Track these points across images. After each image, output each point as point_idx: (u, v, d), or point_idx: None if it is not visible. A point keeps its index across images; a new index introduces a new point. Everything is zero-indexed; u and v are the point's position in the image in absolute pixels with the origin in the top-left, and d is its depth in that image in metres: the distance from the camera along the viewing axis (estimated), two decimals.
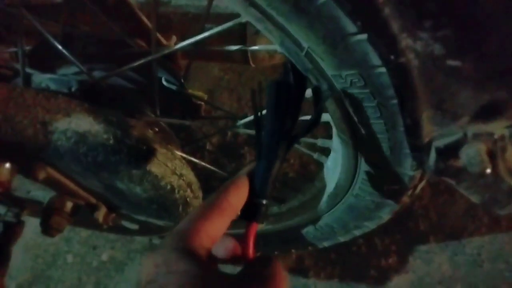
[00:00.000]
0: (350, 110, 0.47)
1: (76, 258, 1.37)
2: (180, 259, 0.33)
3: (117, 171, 0.60)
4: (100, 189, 0.72)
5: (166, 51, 0.62)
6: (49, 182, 0.64)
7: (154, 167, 0.62)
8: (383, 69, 0.38)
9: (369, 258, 1.22)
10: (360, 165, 0.58)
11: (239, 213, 0.40)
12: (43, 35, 0.61)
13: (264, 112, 0.45)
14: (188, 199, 0.69)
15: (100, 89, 0.69)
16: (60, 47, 0.62)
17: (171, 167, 0.65)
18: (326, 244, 0.88)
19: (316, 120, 0.43)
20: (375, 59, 0.37)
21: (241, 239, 0.40)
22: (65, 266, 1.37)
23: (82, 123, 0.57)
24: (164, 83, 0.75)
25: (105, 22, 0.70)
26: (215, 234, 0.37)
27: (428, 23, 0.35)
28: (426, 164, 0.46)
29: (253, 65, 0.82)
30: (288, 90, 0.43)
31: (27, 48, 0.71)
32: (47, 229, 0.68)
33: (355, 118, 0.48)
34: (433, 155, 0.44)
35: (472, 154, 0.41)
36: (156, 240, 1.23)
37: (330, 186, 0.72)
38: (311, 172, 1.29)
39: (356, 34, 0.36)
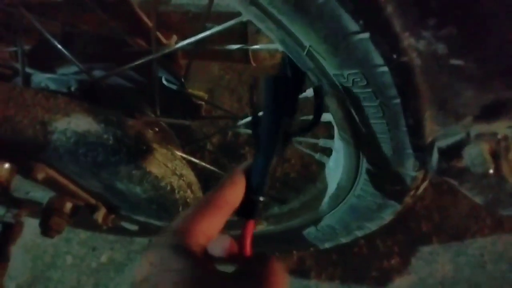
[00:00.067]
0: (352, 109, 0.46)
1: (76, 259, 1.37)
2: (175, 257, 0.33)
3: (117, 172, 0.60)
4: (99, 190, 0.72)
5: (167, 51, 0.62)
6: (48, 183, 0.64)
7: (154, 168, 0.62)
8: (385, 68, 0.38)
9: (371, 259, 1.22)
10: (362, 166, 0.58)
11: (235, 210, 0.40)
12: (43, 35, 0.61)
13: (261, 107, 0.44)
14: (188, 199, 0.69)
15: (100, 88, 0.69)
16: (59, 46, 0.62)
17: (171, 167, 0.64)
18: (327, 245, 0.88)
19: (316, 119, 0.43)
20: (377, 58, 0.37)
21: (238, 237, 0.40)
22: (65, 267, 1.37)
23: (81, 123, 0.56)
24: (164, 82, 0.75)
25: (105, 21, 0.70)
26: (211, 231, 0.37)
27: (431, 22, 0.35)
28: (428, 164, 0.46)
29: (254, 65, 0.82)
30: (285, 85, 0.43)
31: (27, 47, 0.71)
32: (47, 230, 0.68)
33: (357, 118, 0.47)
34: (435, 155, 0.44)
35: (475, 154, 0.41)
36: None
37: (331, 187, 0.71)
38: (313, 173, 1.29)
39: (358, 33, 0.36)
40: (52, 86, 0.68)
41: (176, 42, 0.80)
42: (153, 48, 0.61)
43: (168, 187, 0.65)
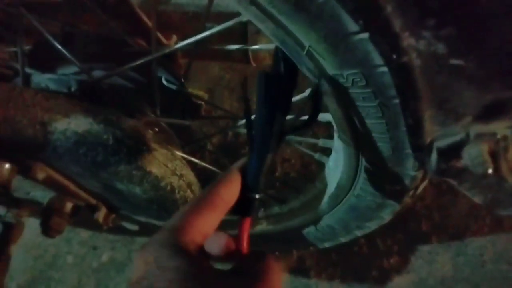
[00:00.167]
0: (352, 110, 0.46)
1: (76, 259, 1.37)
2: (170, 255, 0.33)
3: (117, 172, 0.60)
4: (99, 190, 0.72)
5: (166, 51, 0.62)
6: (49, 183, 0.64)
7: (154, 168, 0.62)
8: (385, 69, 0.38)
9: (371, 259, 1.22)
10: (361, 165, 0.58)
11: (231, 208, 0.40)
12: (43, 35, 0.61)
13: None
14: (188, 199, 0.69)
15: (100, 89, 0.69)
16: (59, 46, 0.62)
17: (171, 167, 0.65)
18: (327, 244, 0.88)
19: (311, 118, 0.43)
20: (377, 59, 0.37)
21: (235, 235, 0.40)
22: (65, 267, 1.37)
23: (81, 123, 0.56)
24: (164, 82, 0.75)
25: (105, 22, 0.70)
26: (206, 230, 0.37)
27: (431, 22, 0.35)
28: (427, 164, 0.45)
29: (254, 64, 0.82)
30: (277, 81, 0.42)
31: (27, 47, 0.71)
32: (47, 230, 0.68)
33: (356, 118, 0.47)
34: (435, 155, 0.44)
35: (474, 154, 0.41)
36: None
37: (331, 187, 0.71)
38: (312, 173, 1.29)
39: (357, 33, 0.36)
40: (52, 86, 0.68)
41: (176, 42, 0.80)
42: (152, 48, 0.61)
43: (168, 187, 0.65)
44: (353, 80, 0.41)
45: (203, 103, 0.83)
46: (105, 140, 0.57)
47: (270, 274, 0.35)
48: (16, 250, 0.63)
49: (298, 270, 1.24)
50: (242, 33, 0.75)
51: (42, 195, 0.70)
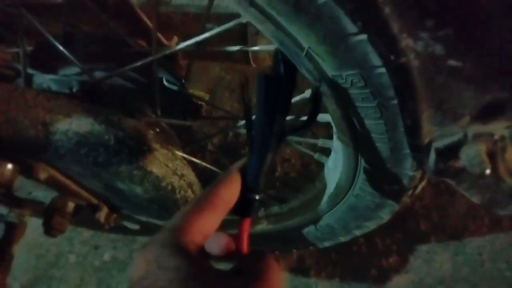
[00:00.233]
0: (351, 110, 0.47)
1: (78, 258, 1.37)
2: (171, 255, 0.33)
3: (118, 172, 0.60)
4: (101, 190, 0.72)
5: (167, 52, 0.62)
6: (51, 183, 0.65)
7: (155, 168, 0.62)
8: (383, 69, 0.38)
9: (370, 258, 1.22)
10: (360, 166, 0.58)
11: (232, 208, 0.40)
12: (44, 36, 0.61)
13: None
14: (189, 199, 0.69)
15: (101, 89, 0.69)
16: (61, 47, 0.62)
17: (172, 167, 0.65)
18: (327, 244, 0.88)
19: (310, 119, 0.43)
20: (375, 60, 0.37)
21: (235, 235, 0.40)
22: (68, 266, 1.37)
23: (83, 123, 0.57)
24: (165, 83, 0.75)
25: (106, 22, 0.70)
26: (207, 230, 0.37)
27: (429, 23, 0.35)
28: (426, 164, 0.46)
29: (254, 65, 0.82)
30: (277, 82, 0.42)
31: (28, 48, 0.71)
32: (49, 230, 0.68)
33: (355, 119, 0.48)
34: (433, 155, 0.44)
35: (472, 155, 0.41)
36: None
37: (330, 186, 0.72)
38: (312, 172, 1.29)
39: (356, 34, 0.36)
40: (54, 87, 0.69)
41: (177, 43, 0.80)
42: (153, 49, 0.61)
43: (169, 187, 0.65)
44: (352, 81, 0.41)
45: (203, 103, 0.84)
46: (107, 140, 0.57)
47: (270, 274, 0.35)
48: (19, 250, 0.64)
49: (298, 269, 1.24)
50: (242, 34, 0.75)
51: (44, 195, 0.70)
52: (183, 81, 0.76)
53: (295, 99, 0.64)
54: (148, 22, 0.75)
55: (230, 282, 0.34)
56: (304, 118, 0.44)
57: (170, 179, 0.65)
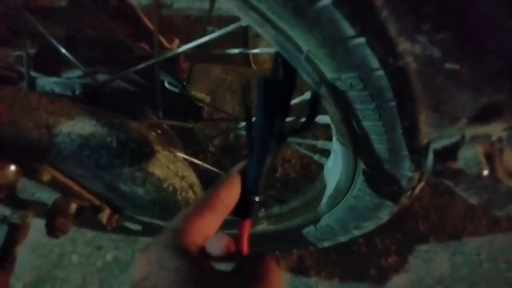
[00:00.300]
0: (350, 112, 0.47)
1: (81, 258, 1.38)
2: (172, 256, 0.34)
3: (120, 174, 0.61)
4: (103, 191, 0.72)
5: (169, 55, 0.62)
6: (54, 184, 0.65)
7: (157, 169, 0.63)
8: (381, 72, 0.38)
9: (370, 258, 1.23)
10: (359, 167, 0.58)
11: (232, 210, 0.40)
12: (47, 39, 0.61)
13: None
14: (190, 200, 0.69)
15: (104, 92, 0.70)
16: (63, 50, 0.63)
17: (174, 169, 0.65)
18: (326, 244, 0.89)
19: (309, 121, 0.43)
20: (374, 62, 0.38)
21: (235, 237, 0.41)
22: (70, 266, 1.37)
23: (85, 126, 0.57)
24: (167, 85, 0.75)
25: (108, 25, 0.70)
26: (207, 231, 0.37)
27: (426, 27, 0.35)
28: (424, 165, 0.46)
29: (254, 67, 0.83)
30: (276, 86, 0.43)
31: (31, 51, 0.72)
32: (52, 230, 0.69)
33: (354, 120, 0.48)
34: (431, 157, 0.44)
35: (469, 156, 0.41)
36: None
37: (330, 187, 0.72)
38: (312, 173, 1.30)
39: (355, 37, 0.36)
40: (57, 90, 0.69)
41: (178, 46, 0.80)
42: (155, 52, 0.62)
43: (171, 189, 0.65)
44: (351, 83, 0.42)
45: (205, 105, 0.84)
46: (109, 142, 0.58)
47: (270, 275, 0.36)
48: (22, 250, 0.64)
49: (298, 269, 1.24)
50: (243, 36, 0.75)
51: (47, 196, 0.71)
52: (185, 83, 0.76)
53: (295, 100, 0.65)
54: (150, 25, 0.75)
55: (231, 283, 0.35)
56: (304, 120, 0.45)
57: (172, 181, 0.65)
